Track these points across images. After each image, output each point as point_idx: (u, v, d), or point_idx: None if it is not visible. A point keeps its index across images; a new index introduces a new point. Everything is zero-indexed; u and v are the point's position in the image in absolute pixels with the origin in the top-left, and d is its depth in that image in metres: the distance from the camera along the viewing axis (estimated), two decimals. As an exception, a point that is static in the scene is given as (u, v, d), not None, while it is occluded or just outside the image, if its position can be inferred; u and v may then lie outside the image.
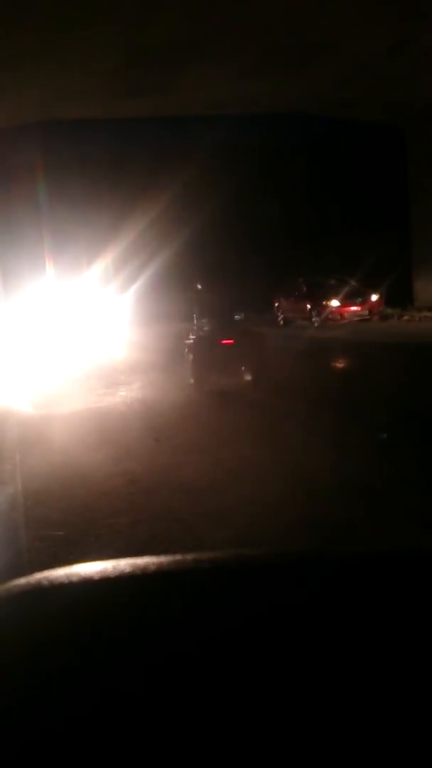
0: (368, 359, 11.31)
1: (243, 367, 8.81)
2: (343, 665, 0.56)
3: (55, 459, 5.37)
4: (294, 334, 17.44)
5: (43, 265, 17.10)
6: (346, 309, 18.97)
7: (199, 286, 9.91)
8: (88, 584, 0.65)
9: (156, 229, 19.84)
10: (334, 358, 11.80)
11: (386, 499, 4.04)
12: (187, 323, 10.19)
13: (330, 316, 18.81)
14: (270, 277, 21.07)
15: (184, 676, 0.55)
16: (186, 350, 9.42)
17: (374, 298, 19.12)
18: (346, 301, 19.03)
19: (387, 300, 19.59)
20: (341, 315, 18.82)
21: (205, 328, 9.33)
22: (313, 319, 19.08)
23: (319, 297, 19.32)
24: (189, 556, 0.68)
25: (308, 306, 19.57)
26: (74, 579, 0.66)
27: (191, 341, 9.29)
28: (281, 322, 20.47)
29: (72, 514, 4.03)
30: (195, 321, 9.77)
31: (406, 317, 19.25)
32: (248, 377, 8.79)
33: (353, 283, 19.44)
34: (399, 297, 19.99)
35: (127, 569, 0.66)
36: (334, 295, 19.09)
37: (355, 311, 19.07)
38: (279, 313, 20.89)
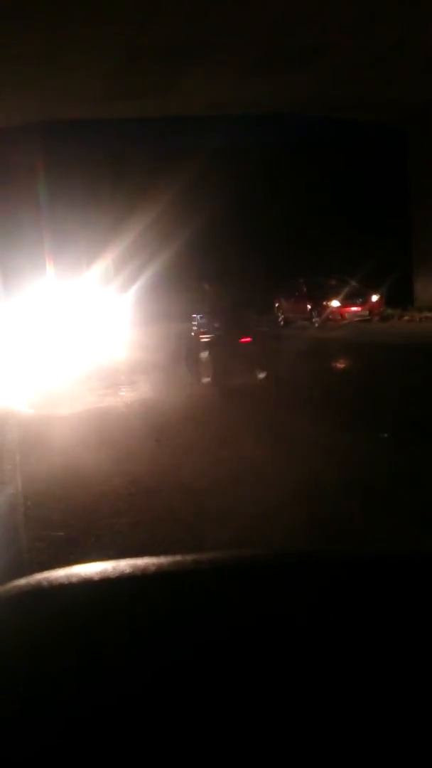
0: (370, 359, 11.31)
1: (259, 365, 8.90)
2: (343, 666, 0.56)
3: (55, 459, 5.37)
4: (294, 334, 17.46)
5: (44, 265, 17.12)
6: (347, 309, 18.98)
7: (206, 286, 9.95)
8: (87, 585, 0.65)
9: (156, 229, 19.85)
10: (335, 359, 11.80)
11: (387, 498, 4.04)
12: (193, 322, 10.22)
13: (330, 317, 18.82)
14: (270, 278, 21.10)
15: (185, 677, 0.55)
16: (191, 349, 9.43)
17: (375, 298, 19.12)
18: (347, 302, 19.04)
19: (387, 300, 19.60)
20: (342, 315, 18.82)
21: (215, 326, 9.37)
22: (314, 320, 19.09)
23: (319, 297, 19.33)
24: (189, 557, 0.68)
25: (309, 306, 19.58)
26: (74, 580, 0.66)
27: (207, 339, 9.32)
28: (281, 323, 20.49)
29: (72, 515, 4.03)
30: (203, 320, 9.82)
31: (406, 317, 19.25)
32: (262, 375, 8.85)
33: (354, 283, 19.45)
34: (399, 297, 20.00)
35: (127, 570, 0.66)
36: (335, 296, 19.10)
37: (355, 312, 19.08)
38: (279, 314, 20.91)
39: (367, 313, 19.10)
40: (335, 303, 18.99)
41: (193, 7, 12.34)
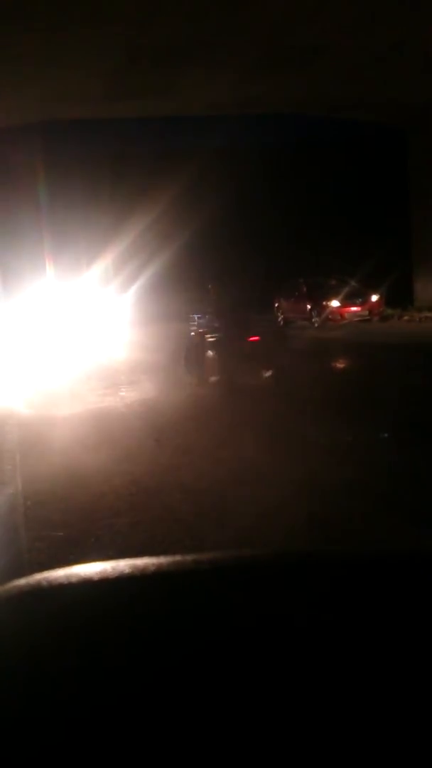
0: (369, 359, 11.31)
1: (267, 363, 8.94)
2: (343, 666, 0.56)
3: (55, 459, 5.37)
4: (294, 334, 17.45)
5: (44, 265, 17.12)
6: (347, 309, 18.99)
7: (210, 286, 9.99)
8: (87, 585, 0.65)
9: (156, 229, 19.86)
10: (335, 359, 11.81)
11: (387, 498, 4.04)
12: (192, 322, 10.24)
13: (330, 317, 18.82)
14: (270, 278, 21.10)
15: (185, 677, 0.55)
16: (191, 349, 9.43)
17: (374, 298, 19.13)
18: (347, 302, 19.05)
19: (387, 300, 19.61)
20: (341, 315, 18.83)
21: (219, 326, 9.39)
22: (314, 320, 19.09)
23: (319, 297, 19.33)
24: (189, 557, 0.68)
25: (308, 306, 19.59)
26: (73, 580, 0.65)
27: (213, 339, 9.34)
28: (281, 323, 20.48)
29: (72, 515, 4.03)
30: (207, 320, 9.84)
31: (406, 317, 19.26)
32: (268, 373, 8.87)
33: (353, 283, 19.46)
34: (399, 297, 20.01)
35: (127, 570, 0.66)
36: (335, 296, 19.10)
37: (355, 311, 19.08)
38: (279, 314, 20.91)
39: (366, 313, 19.10)
40: (335, 303, 18.99)
41: (193, 7, 12.34)
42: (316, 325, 18.77)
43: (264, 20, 12.85)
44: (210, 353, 9.15)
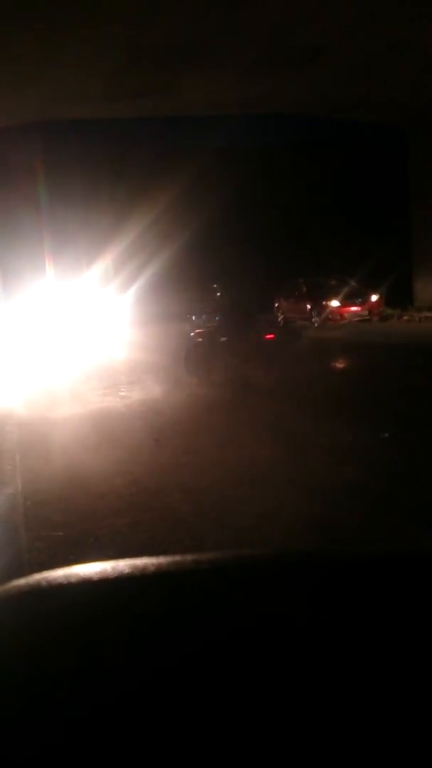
0: (369, 359, 11.31)
1: (280, 361, 8.96)
2: (343, 666, 0.56)
3: (55, 460, 5.38)
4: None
5: (44, 265, 17.12)
6: (346, 309, 19.00)
7: (215, 285, 10.05)
8: (87, 585, 0.65)
9: (156, 229, 19.86)
10: (335, 359, 11.80)
11: (387, 498, 4.04)
12: (193, 322, 10.25)
13: (330, 317, 18.83)
14: (270, 278, 21.11)
15: (185, 677, 0.55)
16: (191, 349, 9.42)
17: (374, 298, 19.14)
18: (346, 302, 19.06)
19: (387, 300, 19.62)
20: (341, 315, 18.84)
21: (221, 324, 9.40)
22: (313, 320, 19.10)
23: (319, 297, 19.35)
24: (188, 557, 0.68)
25: (308, 306, 19.60)
26: (73, 580, 0.65)
27: (216, 338, 9.33)
28: (281, 323, 20.49)
29: (72, 515, 4.03)
30: (206, 318, 9.86)
31: (406, 317, 19.26)
32: (280, 371, 8.88)
33: (353, 283, 19.47)
34: (399, 297, 20.02)
35: (127, 570, 0.66)
36: (334, 296, 19.12)
37: (355, 311, 19.09)
38: (279, 314, 20.92)
39: (366, 313, 19.11)
40: (335, 303, 19.00)
41: (193, 7, 12.34)
42: (315, 325, 18.78)
43: (264, 20, 12.85)
44: (211, 353, 9.14)
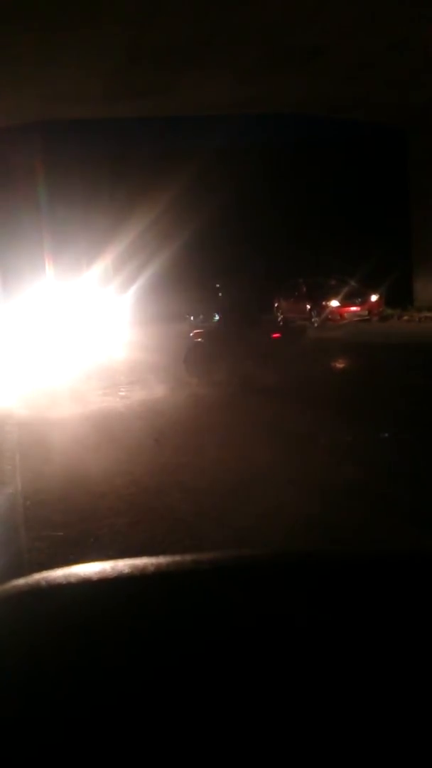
0: (369, 359, 11.31)
1: (285, 360, 8.99)
2: (343, 666, 0.56)
3: (55, 459, 5.38)
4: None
5: (43, 265, 17.12)
6: (346, 309, 19.00)
7: (218, 285, 10.09)
8: (86, 585, 0.65)
9: (156, 229, 19.86)
10: (334, 359, 11.80)
11: (387, 498, 4.04)
12: (192, 322, 10.26)
13: (330, 317, 18.84)
14: (270, 278, 21.12)
15: (184, 677, 0.55)
16: (191, 349, 9.42)
17: (374, 298, 19.14)
18: (346, 302, 19.06)
19: (387, 300, 19.62)
20: (341, 315, 18.84)
21: (223, 324, 9.43)
22: (313, 320, 19.10)
23: (318, 297, 19.35)
24: (188, 557, 0.68)
25: (308, 306, 19.60)
26: (73, 580, 0.65)
27: (217, 338, 9.35)
28: (281, 323, 20.49)
29: (72, 515, 4.03)
30: (210, 318, 9.88)
31: (405, 317, 19.26)
32: (285, 369, 8.90)
33: (353, 283, 19.47)
34: (399, 297, 20.02)
35: (126, 570, 0.66)
36: (334, 296, 19.12)
37: (354, 311, 19.09)
38: (279, 314, 20.92)
39: (366, 313, 19.11)
40: (334, 303, 19.00)
41: (193, 7, 12.34)
42: (315, 325, 18.78)
43: (264, 20, 12.85)
44: (212, 353, 9.13)
